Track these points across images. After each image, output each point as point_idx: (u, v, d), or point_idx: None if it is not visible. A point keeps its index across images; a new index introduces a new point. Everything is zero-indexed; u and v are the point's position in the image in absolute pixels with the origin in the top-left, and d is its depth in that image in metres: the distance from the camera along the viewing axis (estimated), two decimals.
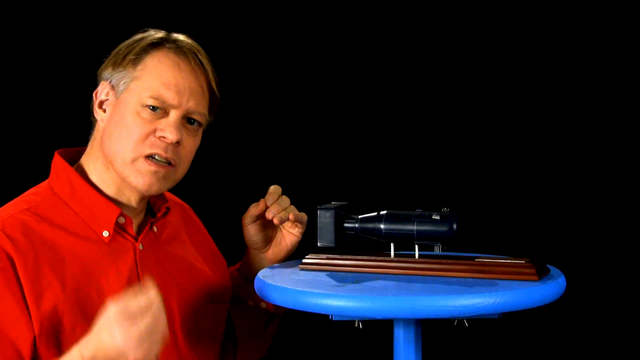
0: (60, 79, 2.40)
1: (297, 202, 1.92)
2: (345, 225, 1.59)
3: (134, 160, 1.53)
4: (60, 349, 1.45)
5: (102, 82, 1.59)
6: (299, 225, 1.70)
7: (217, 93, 1.60)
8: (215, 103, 1.62)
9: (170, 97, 1.54)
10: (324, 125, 2.58)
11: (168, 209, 1.66)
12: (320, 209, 1.59)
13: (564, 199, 2.51)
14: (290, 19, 2.56)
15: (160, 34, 1.60)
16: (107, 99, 1.57)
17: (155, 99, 1.53)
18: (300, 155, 2.57)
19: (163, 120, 1.54)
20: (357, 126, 2.58)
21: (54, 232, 1.52)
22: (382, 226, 1.53)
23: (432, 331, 1.79)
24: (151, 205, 1.66)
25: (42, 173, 1.62)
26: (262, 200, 1.67)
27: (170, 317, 1.58)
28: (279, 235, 1.71)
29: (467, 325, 1.39)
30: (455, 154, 2.55)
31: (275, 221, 1.66)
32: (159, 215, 1.64)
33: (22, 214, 1.52)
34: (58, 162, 1.60)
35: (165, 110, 1.54)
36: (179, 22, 1.64)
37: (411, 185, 2.54)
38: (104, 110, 1.58)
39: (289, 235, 1.70)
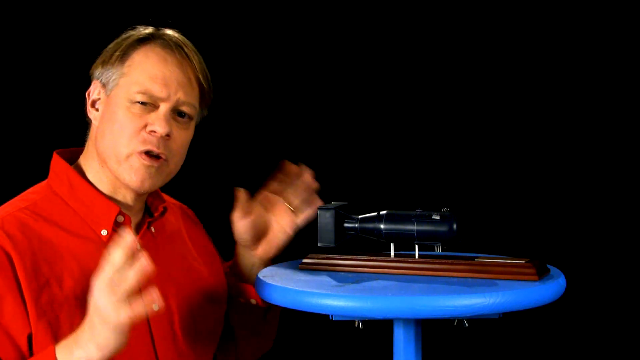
0: (59, 80, 2.40)
1: None
2: (345, 225, 1.59)
3: (128, 157, 1.54)
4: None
5: (93, 82, 1.60)
6: (299, 214, 1.69)
7: (205, 85, 1.61)
8: (206, 95, 1.63)
9: (157, 90, 1.54)
10: (324, 125, 2.58)
11: (165, 208, 1.66)
12: (320, 209, 1.59)
13: (563, 199, 2.52)
14: (291, 18, 2.56)
15: (147, 30, 1.61)
16: (99, 98, 1.59)
17: (143, 93, 1.54)
18: (300, 155, 2.57)
19: (152, 114, 1.54)
20: (357, 126, 2.58)
21: (52, 231, 1.52)
22: (382, 226, 1.53)
23: (432, 331, 1.79)
24: (148, 206, 1.66)
25: (41, 173, 1.62)
26: (237, 190, 1.67)
27: (169, 316, 1.59)
28: (270, 232, 1.70)
29: (467, 325, 1.39)
30: (455, 154, 2.55)
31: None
32: (156, 215, 1.65)
33: (20, 212, 1.52)
34: (57, 162, 1.60)
35: (154, 104, 1.55)
36: (173, 20, 1.65)
37: (411, 185, 2.54)
38: (97, 109, 1.59)
39: (281, 231, 1.69)
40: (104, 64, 1.59)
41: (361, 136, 2.58)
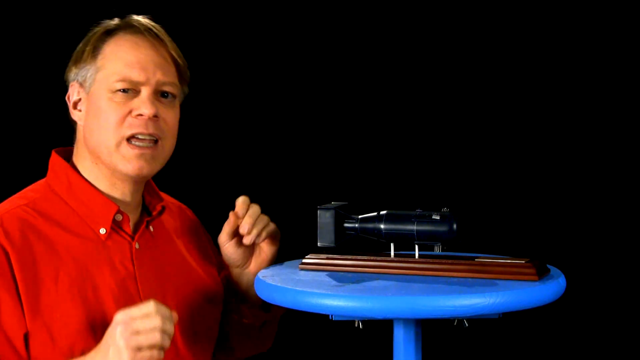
0: (57, 79, 2.39)
1: (297, 202, 1.92)
2: (345, 225, 1.59)
3: (117, 146, 1.54)
4: (54, 344, 1.46)
5: (70, 84, 1.60)
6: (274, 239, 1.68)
7: (180, 62, 1.61)
8: (184, 72, 1.63)
9: (135, 75, 1.54)
10: (323, 125, 2.58)
11: (163, 207, 1.66)
12: (320, 209, 1.59)
13: (563, 199, 2.51)
14: (291, 18, 2.56)
15: (113, 21, 1.61)
16: (80, 98, 1.59)
17: (123, 81, 1.54)
18: (299, 155, 2.57)
19: (136, 100, 1.55)
20: (357, 126, 2.58)
21: (51, 229, 1.52)
22: (382, 226, 1.53)
23: (432, 331, 1.79)
24: (147, 205, 1.66)
25: (39, 173, 1.62)
26: (231, 213, 1.63)
27: None
28: (257, 249, 1.68)
29: (467, 325, 1.39)
30: (455, 154, 2.55)
31: (246, 241, 1.63)
32: (154, 214, 1.64)
33: (19, 210, 1.53)
34: (56, 160, 1.60)
35: (135, 89, 1.55)
36: (159, 15, 1.65)
37: (411, 185, 2.54)
38: (80, 110, 1.59)
39: (267, 246, 1.67)
40: (77, 63, 1.59)
41: (361, 136, 2.58)
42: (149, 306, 1.41)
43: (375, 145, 2.58)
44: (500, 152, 2.54)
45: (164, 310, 1.42)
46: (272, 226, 1.66)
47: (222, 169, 2.54)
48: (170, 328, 1.42)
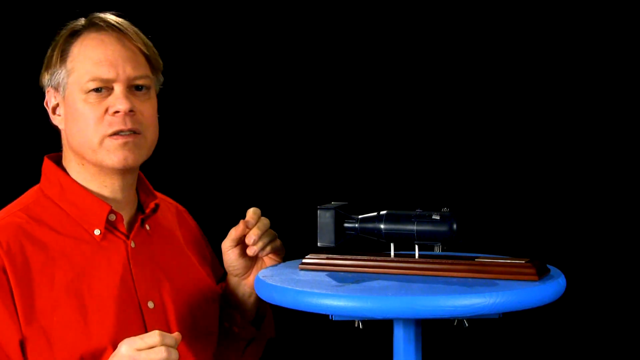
0: None
1: (297, 202, 1.91)
2: (345, 225, 1.59)
3: (101, 143, 1.54)
4: (52, 348, 1.46)
5: (46, 90, 1.62)
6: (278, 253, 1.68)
7: (148, 52, 1.61)
8: (154, 61, 1.63)
9: (105, 72, 1.55)
10: (323, 125, 2.57)
11: (157, 205, 1.66)
12: (320, 209, 1.59)
13: (563, 199, 2.51)
14: (291, 18, 2.56)
15: (78, 22, 1.61)
16: (57, 103, 1.60)
17: (93, 80, 1.55)
18: (300, 155, 2.57)
19: (110, 97, 1.55)
20: (357, 126, 2.58)
21: (45, 233, 1.53)
22: (382, 226, 1.53)
23: (432, 331, 1.79)
24: (141, 203, 1.66)
25: (35, 180, 1.63)
26: (242, 221, 1.63)
27: (165, 314, 1.59)
28: (259, 261, 1.67)
29: (467, 325, 1.39)
30: (455, 154, 2.55)
31: (250, 252, 1.62)
32: (148, 211, 1.64)
33: (13, 216, 1.54)
34: (48, 166, 1.62)
35: (107, 87, 1.55)
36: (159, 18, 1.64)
37: (411, 185, 2.54)
38: (59, 115, 1.61)
39: (270, 261, 1.67)
40: (48, 69, 1.60)
41: (361, 136, 2.58)
42: (154, 337, 1.41)
43: (375, 145, 2.57)
44: (500, 152, 2.54)
45: (169, 339, 1.42)
46: (278, 242, 1.66)
47: (222, 170, 2.54)
48: (175, 358, 1.41)
